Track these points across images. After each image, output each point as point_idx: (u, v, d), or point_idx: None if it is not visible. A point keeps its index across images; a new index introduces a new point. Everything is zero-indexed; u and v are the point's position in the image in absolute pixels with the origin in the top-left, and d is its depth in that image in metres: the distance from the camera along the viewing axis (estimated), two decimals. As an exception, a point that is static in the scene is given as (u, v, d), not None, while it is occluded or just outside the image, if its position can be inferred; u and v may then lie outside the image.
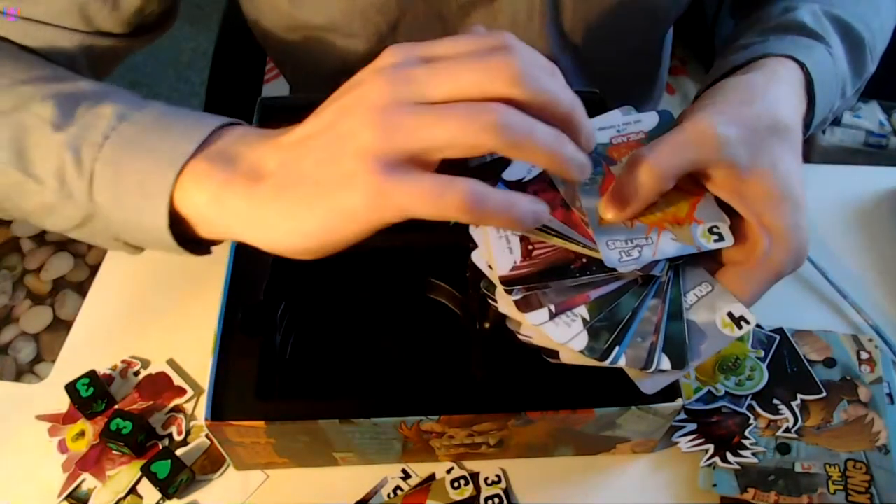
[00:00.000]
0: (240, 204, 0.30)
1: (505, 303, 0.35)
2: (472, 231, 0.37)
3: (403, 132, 0.27)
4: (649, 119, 0.39)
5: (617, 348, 0.33)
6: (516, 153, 0.28)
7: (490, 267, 0.35)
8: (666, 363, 0.33)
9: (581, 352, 0.33)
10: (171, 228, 0.32)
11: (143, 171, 0.32)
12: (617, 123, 0.39)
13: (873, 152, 1.17)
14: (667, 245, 0.35)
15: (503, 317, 0.36)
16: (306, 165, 0.29)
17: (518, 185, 0.38)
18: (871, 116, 1.19)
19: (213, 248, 0.36)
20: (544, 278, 0.34)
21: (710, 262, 0.37)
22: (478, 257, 0.36)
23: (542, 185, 0.38)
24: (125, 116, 0.33)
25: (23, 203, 0.36)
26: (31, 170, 0.34)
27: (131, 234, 0.34)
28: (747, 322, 0.35)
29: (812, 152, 1.17)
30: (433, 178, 0.27)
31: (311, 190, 0.29)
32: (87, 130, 0.33)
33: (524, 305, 0.34)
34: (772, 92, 0.38)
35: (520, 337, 0.35)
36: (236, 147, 0.32)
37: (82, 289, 0.48)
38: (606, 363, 0.33)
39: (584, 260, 0.35)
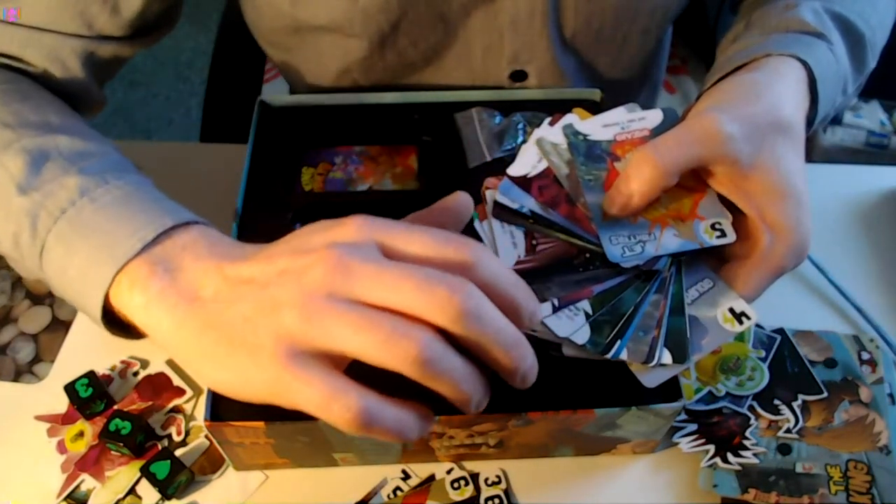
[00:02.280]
0: (166, 320, 0.30)
1: None
2: (477, 225, 0.38)
3: (322, 327, 0.26)
4: (654, 116, 0.39)
5: (619, 342, 0.33)
6: (428, 385, 0.27)
7: None
8: (667, 357, 0.34)
9: (583, 345, 0.33)
10: (107, 314, 0.32)
11: (87, 259, 0.32)
12: (621, 120, 0.39)
13: (874, 152, 1.17)
14: (669, 241, 0.35)
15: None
16: (232, 315, 0.28)
17: (523, 181, 0.38)
18: (872, 116, 1.19)
19: None
20: (548, 272, 0.34)
21: (712, 258, 0.37)
22: None
23: (546, 180, 0.38)
24: (86, 191, 0.33)
25: None
26: None
27: (77, 306, 0.34)
28: (748, 317, 0.35)
29: (813, 152, 1.17)
30: (329, 382, 0.26)
31: (224, 342, 0.28)
32: (48, 199, 0.33)
33: None
34: (775, 90, 0.38)
35: (522, 331, 0.35)
36: (183, 255, 0.31)
37: (81, 289, 0.48)
38: (608, 357, 0.33)
39: (588, 255, 0.35)
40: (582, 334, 0.34)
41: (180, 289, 0.30)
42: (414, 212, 0.33)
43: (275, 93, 0.53)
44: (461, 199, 0.33)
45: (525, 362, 0.28)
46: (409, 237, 0.29)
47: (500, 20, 0.51)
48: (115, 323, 0.33)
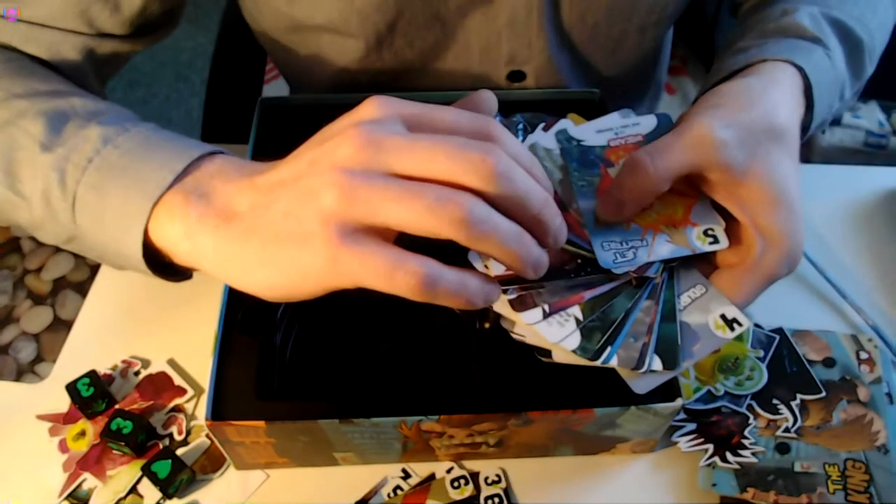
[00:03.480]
0: (209, 242, 0.30)
1: (500, 302, 0.35)
2: None
3: (365, 203, 0.27)
4: (647, 122, 0.39)
5: (609, 348, 0.33)
6: (475, 247, 0.28)
7: (486, 266, 0.35)
8: (657, 364, 0.34)
9: (573, 351, 0.33)
10: (147, 256, 0.32)
11: (122, 198, 0.32)
12: (615, 126, 0.39)
13: (873, 152, 1.17)
14: (662, 247, 0.35)
15: (500, 314, 0.36)
16: (272, 215, 0.29)
17: None
18: (871, 117, 1.19)
19: None
20: (540, 278, 0.35)
21: (704, 264, 0.37)
22: (474, 257, 0.36)
23: None
24: (109, 140, 0.33)
25: (13, 217, 0.37)
26: (19, 188, 0.35)
27: (111, 258, 0.35)
28: (740, 324, 0.35)
29: (812, 152, 1.17)
30: (388, 253, 0.27)
31: (271, 241, 0.29)
32: (73, 152, 0.33)
33: (518, 304, 0.34)
34: (769, 96, 0.38)
35: (513, 336, 0.35)
36: (213, 181, 0.31)
37: (83, 289, 0.48)
38: (598, 363, 0.33)
39: (580, 261, 0.35)
40: (572, 340, 0.33)
41: (217, 210, 0.30)
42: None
43: (275, 92, 0.54)
44: (485, 96, 0.33)
45: (555, 220, 0.30)
46: (433, 113, 0.29)
47: (497, 20, 0.51)
48: (156, 265, 0.33)
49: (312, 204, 0.27)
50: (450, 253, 0.30)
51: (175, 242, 0.31)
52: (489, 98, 0.33)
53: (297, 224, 0.28)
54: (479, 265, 0.36)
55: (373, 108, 0.29)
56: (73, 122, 0.35)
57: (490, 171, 0.27)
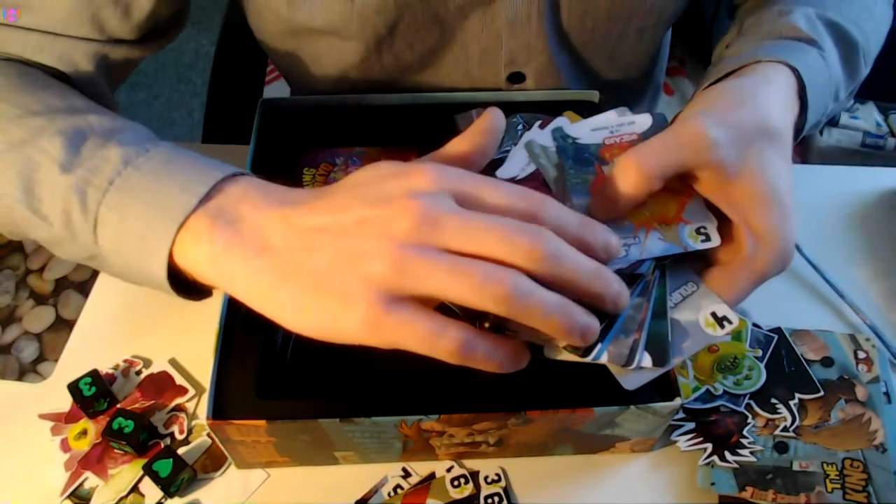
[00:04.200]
0: (237, 271, 0.30)
1: None
2: None
3: (414, 276, 0.28)
4: (643, 121, 0.39)
5: (599, 345, 0.34)
6: (519, 320, 0.29)
7: None
8: (647, 360, 0.34)
9: (563, 347, 0.33)
10: (170, 275, 0.32)
11: (145, 221, 0.32)
12: (611, 124, 0.39)
13: (870, 153, 1.17)
14: (654, 244, 0.35)
15: (503, 317, 0.36)
16: (313, 263, 0.29)
17: (511, 183, 0.38)
18: (868, 117, 1.20)
19: None
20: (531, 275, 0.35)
21: (696, 262, 0.37)
22: None
23: (534, 183, 0.39)
24: (130, 161, 0.33)
25: (31, 234, 0.37)
26: (39, 208, 0.35)
27: (133, 276, 0.35)
28: (730, 322, 0.35)
29: (809, 153, 1.17)
30: (429, 321, 0.28)
31: (310, 290, 0.29)
32: (93, 174, 0.33)
33: None
34: (762, 96, 0.38)
35: (507, 333, 0.36)
36: (240, 206, 0.31)
37: (85, 289, 0.48)
38: (588, 359, 0.33)
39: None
40: None
41: (246, 239, 0.30)
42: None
43: (276, 94, 0.54)
44: (495, 118, 0.35)
45: (611, 287, 0.31)
46: (483, 190, 0.30)
47: (497, 22, 0.51)
48: (179, 284, 0.33)
49: (361, 267, 0.28)
50: None
51: (200, 266, 0.31)
52: (498, 121, 0.35)
53: (340, 281, 0.28)
54: None
55: (427, 178, 0.30)
56: (92, 141, 0.35)
57: (539, 254, 0.28)
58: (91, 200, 0.33)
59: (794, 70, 0.41)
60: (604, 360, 0.34)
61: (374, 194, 0.30)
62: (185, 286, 0.34)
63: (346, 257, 0.29)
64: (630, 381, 0.34)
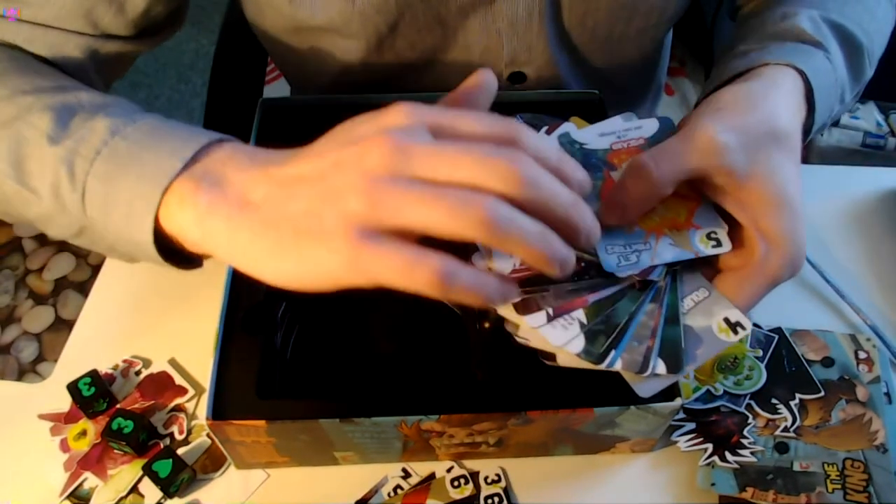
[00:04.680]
0: (222, 229, 0.30)
1: (503, 305, 0.35)
2: None
3: (389, 207, 0.27)
4: (650, 125, 0.39)
5: (613, 352, 0.33)
6: (499, 247, 0.28)
7: (490, 269, 0.35)
8: (661, 367, 0.34)
9: (578, 355, 0.33)
10: (158, 244, 0.32)
11: (132, 188, 0.32)
12: (617, 129, 0.39)
13: (871, 153, 1.17)
14: (665, 250, 0.35)
15: (503, 318, 0.36)
16: (291, 209, 0.29)
17: None
18: (869, 117, 1.20)
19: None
20: (543, 282, 0.35)
21: (707, 267, 0.37)
22: (478, 260, 0.36)
23: None
24: (117, 131, 0.33)
25: (23, 211, 0.37)
26: (29, 182, 0.35)
27: (122, 247, 0.35)
28: (743, 328, 0.35)
29: (810, 153, 1.17)
30: (407, 252, 0.27)
31: (290, 236, 0.29)
32: (81, 144, 0.33)
33: (522, 308, 0.34)
34: (771, 100, 0.38)
35: (517, 339, 0.36)
36: (225, 168, 0.32)
37: (84, 289, 0.48)
38: (602, 366, 0.33)
39: (583, 264, 0.35)
40: (577, 344, 0.33)
41: (229, 198, 0.30)
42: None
43: (277, 93, 0.54)
44: (485, 76, 0.34)
45: (586, 220, 0.30)
46: (457, 120, 0.30)
47: (498, 22, 0.51)
48: (167, 253, 0.33)
49: (336, 205, 0.28)
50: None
51: (186, 229, 0.31)
52: (489, 79, 0.34)
53: (319, 222, 0.28)
54: (481, 264, 0.36)
55: (400, 114, 0.29)
56: (80, 115, 0.35)
57: (515, 178, 0.28)
58: (79, 171, 0.33)
59: (802, 73, 0.41)
60: (618, 367, 0.33)
61: (349, 137, 0.30)
62: (175, 255, 0.34)
63: (323, 198, 0.28)
64: (644, 388, 0.34)
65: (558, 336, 0.34)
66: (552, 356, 0.35)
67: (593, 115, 0.51)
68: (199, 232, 0.31)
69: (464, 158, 0.28)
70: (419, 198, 0.27)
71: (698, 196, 0.37)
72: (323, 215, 0.28)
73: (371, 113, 0.30)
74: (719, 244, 0.36)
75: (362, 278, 0.28)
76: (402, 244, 0.28)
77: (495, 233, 0.27)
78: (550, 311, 0.34)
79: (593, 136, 0.39)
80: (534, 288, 0.35)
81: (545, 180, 0.29)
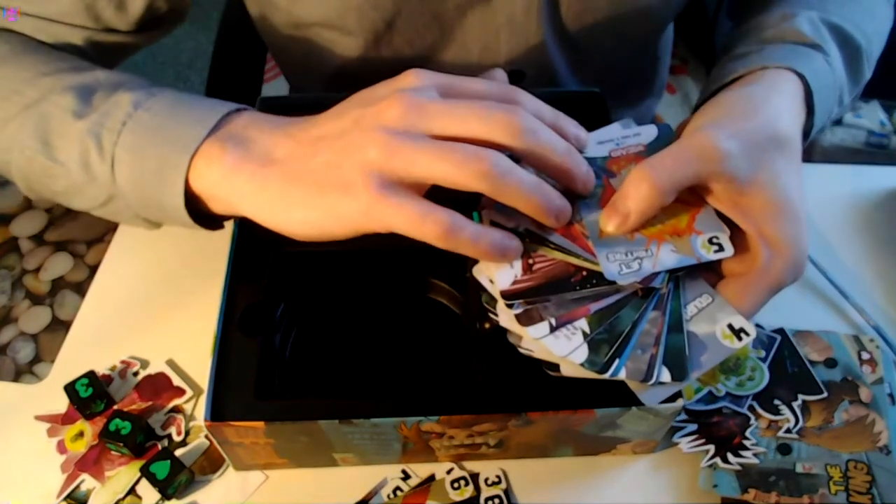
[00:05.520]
0: (248, 185, 0.33)
1: (506, 317, 0.35)
2: None
3: (404, 159, 0.30)
4: (648, 132, 0.39)
5: (617, 361, 0.33)
6: (500, 198, 0.31)
7: (491, 281, 0.35)
8: (666, 375, 0.33)
9: (581, 364, 0.33)
10: (186, 206, 0.35)
11: (160, 155, 0.35)
12: (616, 136, 0.39)
13: (874, 152, 1.17)
14: (667, 257, 0.35)
15: (506, 329, 0.36)
16: (314, 164, 0.32)
17: None
18: (872, 116, 1.20)
19: (214, 249, 0.38)
20: (545, 292, 0.34)
21: (710, 274, 0.37)
22: (479, 272, 0.36)
23: None
24: (140, 104, 0.36)
25: (51, 185, 0.39)
26: (57, 156, 0.37)
27: (151, 212, 0.37)
28: (747, 334, 0.35)
29: (813, 152, 1.17)
30: (418, 203, 0.31)
31: (313, 187, 0.32)
32: (107, 118, 0.36)
33: (525, 319, 0.34)
34: (772, 104, 0.38)
35: (521, 350, 0.35)
36: (248, 131, 0.34)
37: (81, 289, 0.48)
38: (606, 376, 0.33)
39: (585, 273, 0.35)
40: (580, 353, 0.33)
41: (253, 156, 0.33)
42: None
43: (275, 92, 0.53)
44: (497, 74, 0.39)
45: (581, 167, 0.34)
46: (464, 83, 0.34)
47: (496, 20, 0.51)
48: (197, 216, 0.36)
49: (355, 156, 0.31)
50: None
51: (214, 187, 0.34)
52: (502, 76, 0.38)
53: (339, 173, 0.31)
54: (483, 279, 0.36)
55: (412, 77, 0.33)
56: (101, 92, 0.37)
57: (516, 128, 0.31)
58: (106, 142, 0.35)
59: (801, 76, 0.41)
60: (622, 376, 0.33)
61: (367, 98, 0.33)
62: (203, 217, 0.36)
63: (343, 152, 0.32)
64: (649, 396, 0.34)
65: (561, 346, 0.33)
66: (556, 366, 0.35)
67: (595, 113, 0.51)
68: (225, 189, 0.33)
69: (471, 113, 0.31)
70: (430, 151, 0.30)
71: (699, 201, 0.37)
72: (343, 166, 0.31)
73: (386, 81, 0.34)
74: (721, 249, 0.35)
75: (377, 225, 0.31)
76: (415, 198, 0.31)
77: (496, 184, 0.30)
78: (553, 321, 0.34)
79: (592, 144, 0.39)
80: (536, 298, 0.34)
81: (542, 131, 0.32)
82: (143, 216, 0.38)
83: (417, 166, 0.30)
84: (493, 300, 0.36)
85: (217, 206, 0.35)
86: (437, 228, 0.30)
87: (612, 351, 0.34)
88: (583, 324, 0.34)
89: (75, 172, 0.37)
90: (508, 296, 0.34)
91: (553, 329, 0.34)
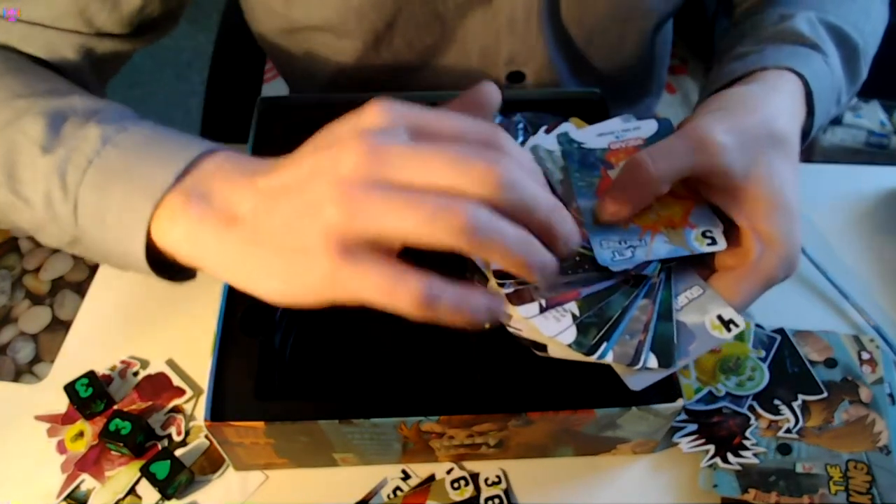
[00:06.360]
0: (211, 244, 0.30)
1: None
2: None
3: (367, 216, 0.26)
4: (648, 126, 0.40)
5: (605, 344, 0.34)
6: (479, 255, 0.27)
7: (485, 262, 0.35)
8: (653, 361, 0.34)
9: (569, 346, 0.33)
10: (150, 256, 0.32)
11: (123, 200, 0.32)
12: (616, 130, 0.40)
13: (874, 152, 1.17)
14: (660, 247, 0.35)
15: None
16: (274, 223, 0.28)
17: None
18: (872, 116, 1.20)
19: None
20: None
21: (702, 267, 0.37)
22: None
23: None
24: (108, 139, 0.33)
25: (15, 219, 0.37)
26: (21, 190, 0.34)
27: (115, 259, 0.34)
28: (736, 325, 0.35)
29: (813, 152, 1.17)
30: (388, 269, 0.26)
31: (274, 252, 0.28)
32: (73, 153, 0.33)
33: (516, 299, 0.35)
34: (770, 103, 0.39)
35: (509, 329, 0.36)
36: (213, 182, 0.31)
37: (81, 289, 0.48)
38: (593, 358, 0.33)
39: (577, 258, 0.35)
40: (568, 335, 0.34)
41: (217, 213, 0.30)
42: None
43: (275, 92, 0.53)
44: (487, 89, 0.32)
45: (565, 225, 0.29)
46: (436, 121, 0.29)
47: (496, 21, 0.51)
48: (159, 265, 0.33)
49: (314, 218, 0.27)
50: (457, 268, 0.29)
51: (177, 244, 0.31)
52: (491, 91, 0.33)
53: (300, 238, 0.27)
54: (478, 259, 0.36)
55: (376, 114, 0.28)
56: (72, 122, 0.34)
57: (495, 181, 0.26)
58: (71, 181, 0.33)
59: (801, 76, 0.41)
60: (609, 359, 0.34)
61: (326, 140, 0.29)
62: (167, 268, 0.33)
63: (302, 211, 0.28)
64: (635, 381, 0.34)
65: (550, 326, 0.34)
66: (543, 347, 0.35)
67: (594, 113, 0.50)
68: (189, 247, 0.31)
69: (440, 160, 0.27)
70: (396, 205, 0.26)
71: (695, 196, 0.37)
72: (303, 230, 0.27)
73: (349, 113, 0.29)
74: (714, 242, 0.36)
75: (344, 295, 0.27)
76: (384, 261, 0.27)
77: (475, 240, 0.26)
78: (543, 302, 0.35)
79: (592, 135, 0.39)
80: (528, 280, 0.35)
81: (525, 184, 0.27)
82: (108, 261, 0.36)
83: (381, 222, 0.26)
84: (484, 279, 0.36)
85: (182, 260, 0.32)
86: (412, 297, 0.26)
87: (600, 334, 0.34)
88: (573, 307, 0.34)
89: (39, 210, 0.34)
90: (500, 275, 0.35)
91: (543, 310, 0.34)
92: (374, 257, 0.27)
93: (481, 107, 0.32)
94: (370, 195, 0.26)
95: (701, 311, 0.36)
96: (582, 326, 0.34)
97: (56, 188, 0.33)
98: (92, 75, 0.45)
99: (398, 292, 0.26)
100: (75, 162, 0.33)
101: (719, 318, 0.35)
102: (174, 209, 0.31)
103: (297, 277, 0.28)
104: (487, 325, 0.43)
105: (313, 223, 0.27)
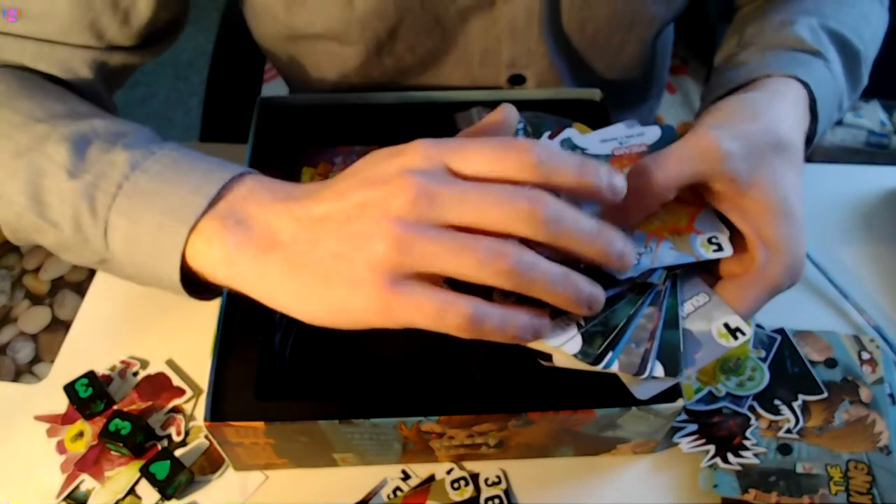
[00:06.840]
0: (250, 269, 0.31)
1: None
2: None
3: (417, 255, 0.28)
4: (651, 133, 0.39)
5: (610, 353, 0.33)
6: (525, 293, 0.29)
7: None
8: (659, 370, 0.33)
9: (574, 355, 0.33)
10: (183, 277, 0.33)
11: (156, 225, 0.32)
12: (619, 136, 0.39)
13: (874, 152, 1.17)
14: (665, 254, 0.35)
15: None
16: (319, 253, 0.29)
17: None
18: (873, 116, 1.20)
19: None
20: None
21: (707, 274, 0.37)
22: None
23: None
24: (137, 165, 0.34)
25: (38, 240, 0.37)
26: (48, 214, 0.35)
27: (145, 280, 0.35)
28: (743, 333, 0.35)
29: (813, 152, 1.17)
30: (437, 296, 0.28)
31: (319, 280, 0.29)
32: (101, 179, 0.33)
33: None
34: (774, 110, 0.39)
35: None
36: (248, 206, 0.32)
37: (81, 289, 0.48)
38: (599, 368, 0.33)
39: (582, 266, 0.35)
40: (573, 344, 0.33)
41: (255, 238, 0.31)
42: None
43: (275, 92, 0.53)
44: (507, 112, 0.35)
45: (614, 245, 0.30)
46: (472, 153, 0.30)
47: (498, 26, 0.51)
48: (191, 285, 0.34)
49: (365, 251, 0.28)
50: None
51: (213, 267, 0.32)
52: (511, 115, 0.35)
53: (348, 268, 0.29)
54: None
55: (419, 154, 0.30)
56: (96, 146, 0.35)
57: (538, 219, 0.28)
58: (100, 205, 0.33)
59: (804, 83, 0.41)
60: (615, 369, 0.33)
61: (372, 177, 0.30)
62: (197, 286, 0.34)
63: (350, 243, 0.29)
64: (641, 390, 0.34)
65: (555, 336, 0.34)
66: (548, 356, 0.35)
67: (595, 114, 0.50)
68: (226, 271, 0.31)
69: (488, 202, 0.29)
70: (446, 248, 0.28)
71: (700, 202, 0.37)
72: (352, 260, 0.29)
73: (389, 150, 0.31)
74: (720, 249, 0.36)
75: (392, 323, 0.29)
76: (432, 290, 0.28)
77: (519, 281, 0.28)
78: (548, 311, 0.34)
79: (595, 142, 0.39)
80: None
81: (567, 218, 0.29)
82: (136, 282, 0.36)
83: (433, 263, 0.28)
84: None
85: (217, 282, 0.33)
86: (460, 320, 0.28)
87: (605, 343, 0.34)
88: (578, 315, 0.34)
89: (68, 233, 0.35)
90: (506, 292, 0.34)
91: None
92: (423, 286, 0.29)
93: (503, 129, 0.34)
94: (421, 235, 0.28)
95: (707, 319, 0.35)
96: (587, 335, 0.34)
97: (85, 212, 0.34)
98: (103, 88, 0.45)
99: (447, 317, 0.28)
100: (104, 187, 0.33)
101: (726, 325, 0.35)
102: (210, 233, 0.31)
103: (340, 303, 0.29)
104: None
105: (363, 255, 0.28)
